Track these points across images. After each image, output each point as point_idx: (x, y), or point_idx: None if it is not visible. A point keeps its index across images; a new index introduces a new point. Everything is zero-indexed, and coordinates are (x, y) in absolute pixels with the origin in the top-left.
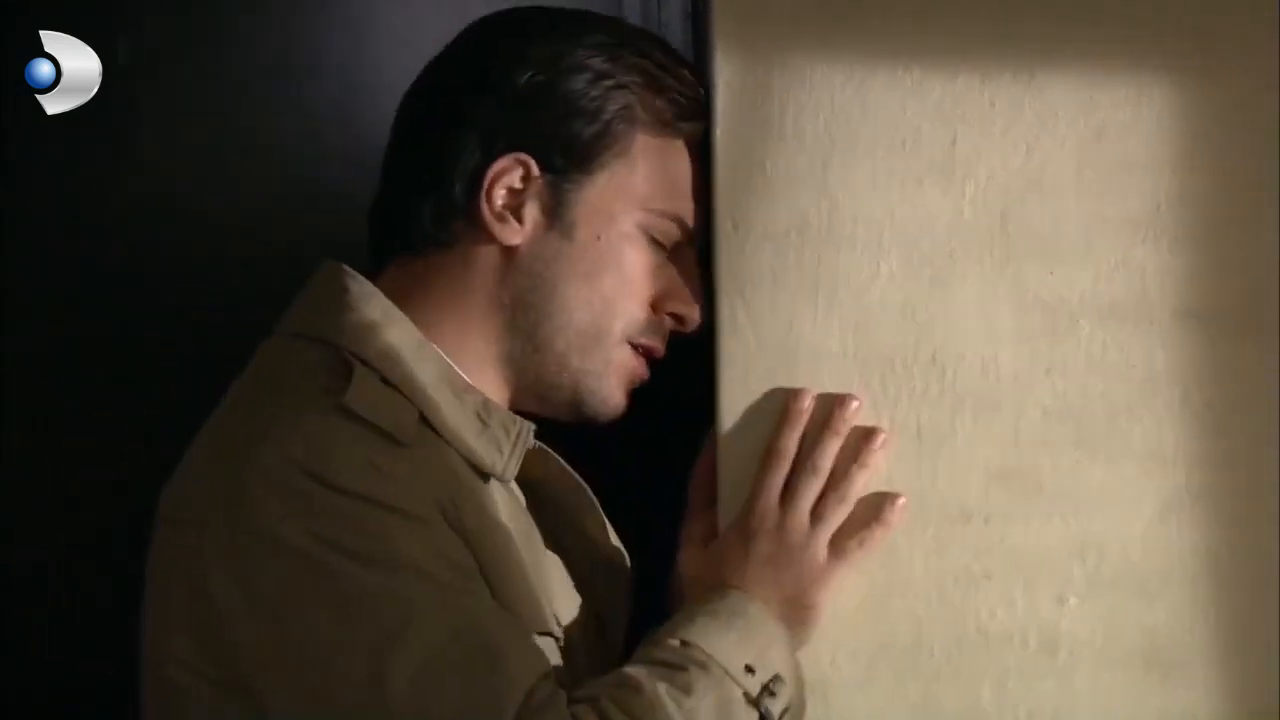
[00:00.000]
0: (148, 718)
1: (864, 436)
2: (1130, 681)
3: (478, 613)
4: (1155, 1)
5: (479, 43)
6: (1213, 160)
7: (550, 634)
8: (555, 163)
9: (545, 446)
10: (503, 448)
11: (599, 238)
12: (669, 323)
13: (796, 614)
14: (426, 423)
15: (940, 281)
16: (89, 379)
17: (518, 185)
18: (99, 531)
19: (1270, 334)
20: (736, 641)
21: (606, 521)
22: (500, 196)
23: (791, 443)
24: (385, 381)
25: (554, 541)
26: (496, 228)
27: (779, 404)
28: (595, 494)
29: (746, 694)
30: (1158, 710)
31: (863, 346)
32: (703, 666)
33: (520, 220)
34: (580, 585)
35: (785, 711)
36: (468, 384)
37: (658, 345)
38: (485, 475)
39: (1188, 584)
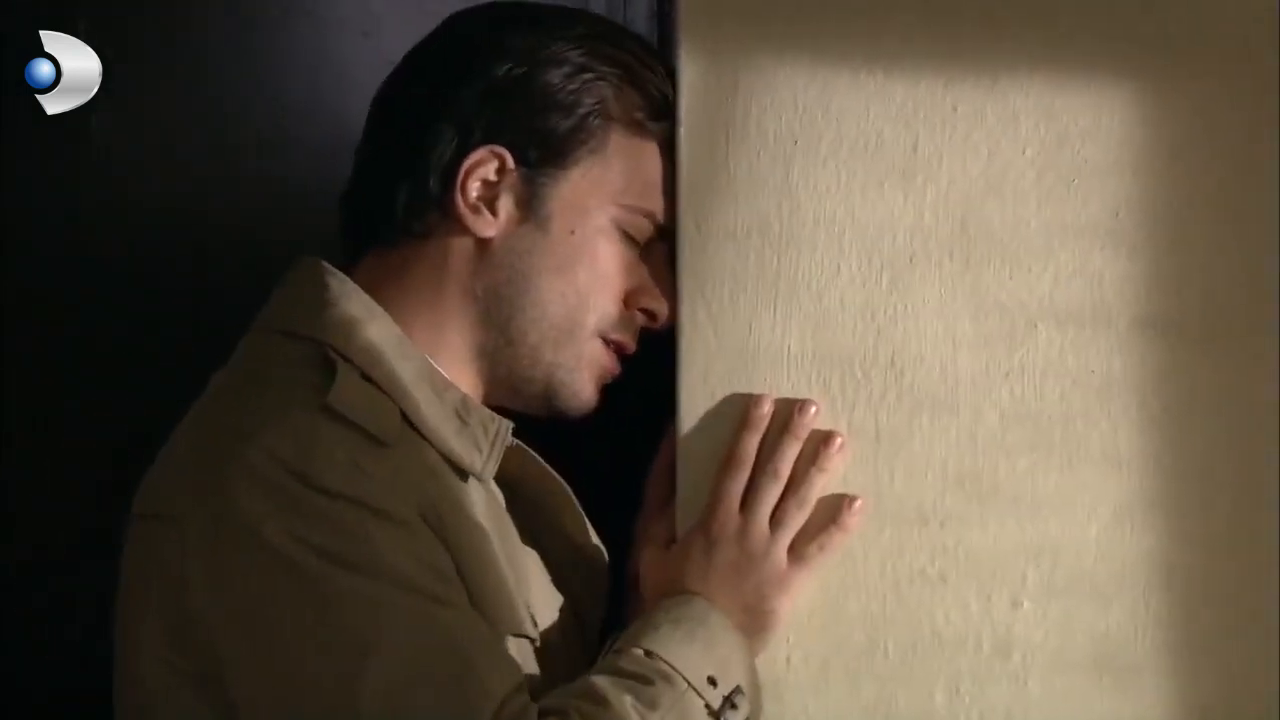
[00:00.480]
0: (121, 713)
1: (822, 441)
2: (1082, 686)
3: (453, 622)
4: (1116, 9)
5: (456, 34)
6: (1172, 167)
7: (526, 635)
8: (530, 156)
9: (523, 445)
10: (481, 446)
11: (573, 232)
12: (640, 318)
13: (757, 621)
14: (407, 421)
15: (900, 284)
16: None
17: (493, 178)
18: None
19: (1226, 341)
20: (700, 653)
21: (585, 519)
22: (475, 189)
23: (751, 448)
24: (366, 379)
25: (532, 540)
26: (471, 220)
27: (739, 406)
28: (573, 491)
29: (708, 706)
30: (1110, 714)
31: (822, 348)
32: (667, 679)
33: (495, 213)
34: (558, 583)
35: None
36: (447, 381)
37: (629, 341)
38: (464, 474)
39: (1141, 589)
